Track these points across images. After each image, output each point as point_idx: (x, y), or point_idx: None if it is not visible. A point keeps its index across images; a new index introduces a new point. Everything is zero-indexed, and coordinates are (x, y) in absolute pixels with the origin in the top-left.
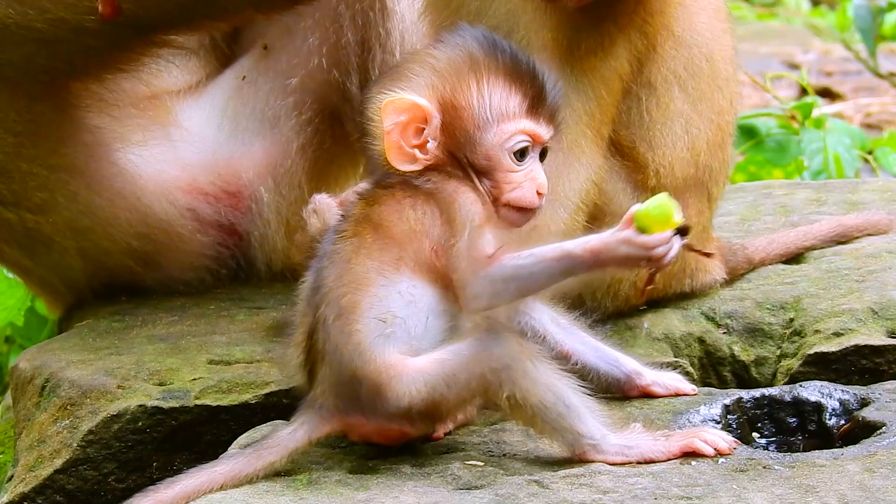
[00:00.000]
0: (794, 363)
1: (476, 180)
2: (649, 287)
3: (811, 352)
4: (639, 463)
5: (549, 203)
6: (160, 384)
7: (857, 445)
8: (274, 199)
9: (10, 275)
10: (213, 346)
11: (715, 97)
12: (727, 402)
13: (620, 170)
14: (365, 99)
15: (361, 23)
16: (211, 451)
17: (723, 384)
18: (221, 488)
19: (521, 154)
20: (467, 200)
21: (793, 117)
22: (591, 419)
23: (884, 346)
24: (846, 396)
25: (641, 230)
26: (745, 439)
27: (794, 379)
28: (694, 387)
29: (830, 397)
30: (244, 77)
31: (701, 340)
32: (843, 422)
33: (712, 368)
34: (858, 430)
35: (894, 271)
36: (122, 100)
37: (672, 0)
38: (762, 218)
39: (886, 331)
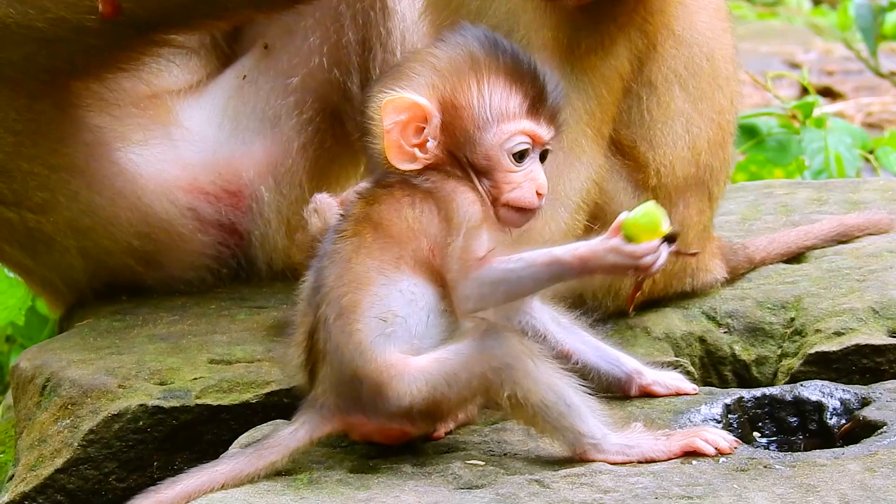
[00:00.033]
0: (794, 362)
1: (475, 180)
2: (637, 294)
3: (812, 351)
4: (640, 462)
5: (550, 202)
6: (161, 383)
7: (857, 445)
8: (275, 199)
9: (11, 274)
10: (213, 345)
11: (716, 96)
12: (728, 401)
13: (621, 169)
14: (366, 98)
15: (362, 22)
16: (212, 450)
17: (724, 383)
18: (222, 488)
19: (520, 155)
20: (466, 200)
21: (794, 117)
22: (592, 418)
23: (885, 345)
24: (847, 396)
25: (629, 239)
26: (745, 439)
27: (794, 378)
28: (695, 386)
29: (831, 397)
30: (245, 76)
31: (702, 340)
32: (843, 421)
33: (713, 368)
34: (859, 430)
35: (895, 271)
36: (123, 99)
37: None
38: (763, 217)
39: (887, 330)
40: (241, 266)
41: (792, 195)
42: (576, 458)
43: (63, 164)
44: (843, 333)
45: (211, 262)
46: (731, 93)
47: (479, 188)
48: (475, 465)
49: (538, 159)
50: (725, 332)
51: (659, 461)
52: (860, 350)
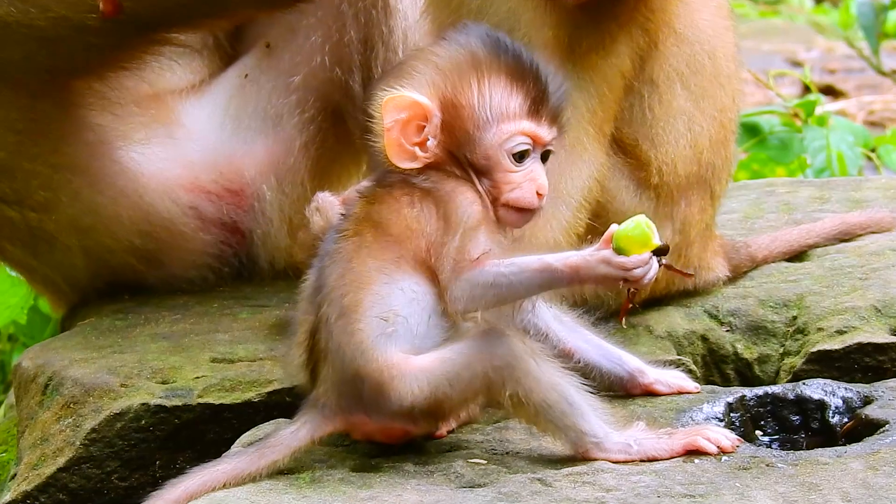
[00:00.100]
0: (797, 361)
1: (475, 180)
2: (629, 306)
3: (814, 350)
4: (642, 461)
5: (552, 201)
6: (163, 382)
7: (860, 443)
8: (277, 198)
9: (14, 273)
10: (216, 344)
11: (717, 94)
12: (730, 399)
13: (623, 167)
14: (368, 97)
15: (364, 21)
16: (214, 449)
17: (726, 382)
18: (224, 487)
19: (520, 156)
20: (465, 200)
21: (796, 115)
22: (594, 417)
23: (887, 343)
24: (849, 394)
25: (620, 251)
26: (748, 437)
27: (797, 377)
28: (697, 385)
29: (833, 395)
30: (247, 75)
31: (704, 338)
32: (846, 420)
33: (715, 366)
34: (861, 428)
35: None
36: (125, 98)
37: None
38: (765, 216)
39: (890, 328)
40: (243, 265)
41: (794, 193)
42: (578, 457)
43: (65, 163)
44: (846, 332)
45: (213, 261)
46: (733, 91)
47: (479, 188)
48: (477, 463)
49: (539, 160)
50: (728, 331)
51: (661, 460)
52: (862, 348)
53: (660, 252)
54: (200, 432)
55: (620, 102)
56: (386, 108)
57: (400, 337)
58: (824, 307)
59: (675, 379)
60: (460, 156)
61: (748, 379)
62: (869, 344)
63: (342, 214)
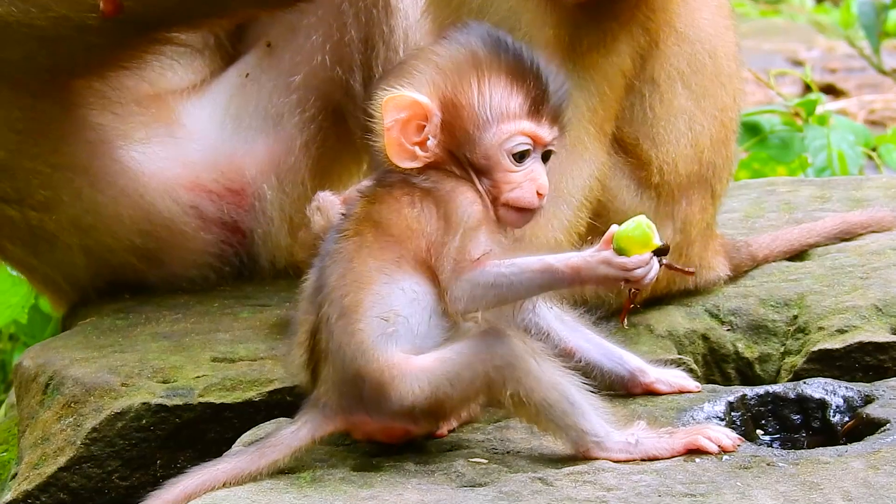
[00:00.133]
0: (798, 360)
1: (475, 179)
2: (630, 307)
3: (815, 349)
4: (643, 460)
5: (553, 200)
6: (164, 382)
7: (861, 442)
8: (277, 197)
9: (14, 272)
10: (216, 343)
11: (718, 94)
12: (731, 399)
13: (624, 166)
14: (368, 96)
15: (365, 20)
16: (215, 448)
17: (727, 381)
18: (225, 486)
19: (520, 156)
20: (465, 200)
21: (796, 114)
22: (595, 416)
23: (888, 342)
24: (850, 393)
25: (620, 251)
26: (749, 436)
27: (798, 376)
28: (698, 384)
29: (834, 394)
30: (247, 74)
31: (705, 337)
32: (847, 419)
33: (716, 365)
34: (862, 427)
35: None
36: (125, 97)
37: None
38: (766, 215)
39: (890, 328)
40: (243, 264)
41: (795, 193)
42: (579, 457)
43: (65, 163)
44: (847, 331)
45: (214, 261)
46: (734, 90)
47: (479, 188)
48: (478, 463)
49: (540, 159)
50: (728, 330)
51: (662, 459)
52: (863, 347)
53: (660, 252)
54: (201, 432)
55: (621, 101)
56: (386, 107)
57: (400, 337)
58: (825, 306)
59: (676, 378)
60: (460, 155)
61: (749, 378)
62: (870, 343)
63: (343, 214)
